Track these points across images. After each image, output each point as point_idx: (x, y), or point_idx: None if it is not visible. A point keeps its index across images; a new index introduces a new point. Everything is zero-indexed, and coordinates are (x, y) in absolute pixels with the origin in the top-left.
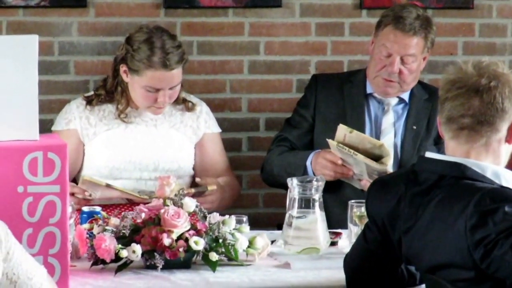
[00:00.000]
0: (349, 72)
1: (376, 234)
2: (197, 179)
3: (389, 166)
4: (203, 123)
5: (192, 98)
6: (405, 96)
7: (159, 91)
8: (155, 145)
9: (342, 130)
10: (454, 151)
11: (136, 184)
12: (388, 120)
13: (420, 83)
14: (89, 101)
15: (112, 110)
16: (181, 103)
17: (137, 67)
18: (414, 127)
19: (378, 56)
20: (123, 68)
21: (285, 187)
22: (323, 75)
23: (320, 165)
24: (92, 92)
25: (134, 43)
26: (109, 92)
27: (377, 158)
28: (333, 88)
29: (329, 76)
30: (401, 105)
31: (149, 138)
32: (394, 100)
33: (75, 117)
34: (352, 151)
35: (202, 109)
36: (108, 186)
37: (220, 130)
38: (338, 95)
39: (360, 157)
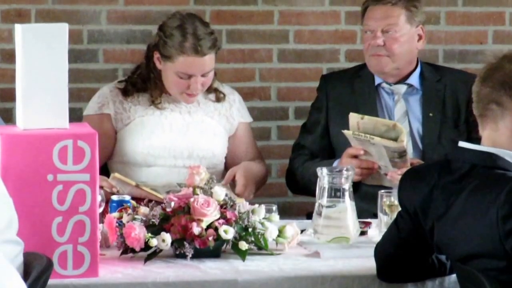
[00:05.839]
0: (357, 67)
1: (408, 222)
2: (227, 176)
3: (405, 142)
4: (236, 112)
5: (226, 87)
6: (414, 81)
7: (191, 77)
8: (190, 132)
9: (354, 118)
10: (486, 141)
11: (170, 172)
12: (399, 110)
13: (430, 64)
14: (125, 91)
15: (146, 96)
16: (212, 92)
17: (170, 53)
18: (431, 114)
19: (365, 37)
20: (156, 55)
21: (314, 194)
22: (331, 74)
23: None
24: (124, 79)
25: (166, 29)
26: (143, 80)
27: (394, 140)
28: (343, 85)
29: (338, 74)
30: (412, 92)
31: (184, 125)
32: (402, 88)
33: (109, 102)
34: (368, 135)
35: (235, 98)
36: (137, 186)
37: (251, 120)
38: (349, 91)
39: (377, 139)
